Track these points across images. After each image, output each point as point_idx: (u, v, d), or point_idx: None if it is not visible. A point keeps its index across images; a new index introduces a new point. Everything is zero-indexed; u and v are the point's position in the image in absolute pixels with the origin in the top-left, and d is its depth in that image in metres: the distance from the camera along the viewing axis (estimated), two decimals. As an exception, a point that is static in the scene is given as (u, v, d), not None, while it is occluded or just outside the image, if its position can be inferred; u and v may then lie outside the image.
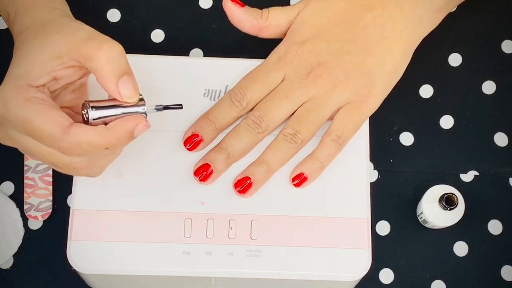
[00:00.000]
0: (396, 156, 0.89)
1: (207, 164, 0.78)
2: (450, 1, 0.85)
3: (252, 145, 0.80)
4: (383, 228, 0.88)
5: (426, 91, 0.91)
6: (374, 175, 0.89)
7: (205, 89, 0.82)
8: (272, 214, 0.78)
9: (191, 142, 0.79)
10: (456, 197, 0.83)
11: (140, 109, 0.69)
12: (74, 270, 0.77)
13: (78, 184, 0.78)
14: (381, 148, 0.89)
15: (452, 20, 0.90)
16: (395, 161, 0.89)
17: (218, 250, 0.77)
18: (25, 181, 0.87)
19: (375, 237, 0.87)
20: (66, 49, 0.69)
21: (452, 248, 0.87)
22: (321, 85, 0.79)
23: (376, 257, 0.83)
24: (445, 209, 0.83)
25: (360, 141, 0.81)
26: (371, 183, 0.86)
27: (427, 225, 0.87)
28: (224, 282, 0.78)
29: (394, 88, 0.82)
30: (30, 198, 0.86)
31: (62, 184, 0.87)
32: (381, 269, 0.87)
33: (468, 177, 0.89)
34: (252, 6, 0.82)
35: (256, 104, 0.80)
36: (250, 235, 0.78)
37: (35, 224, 0.87)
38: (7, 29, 0.80)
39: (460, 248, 0.87)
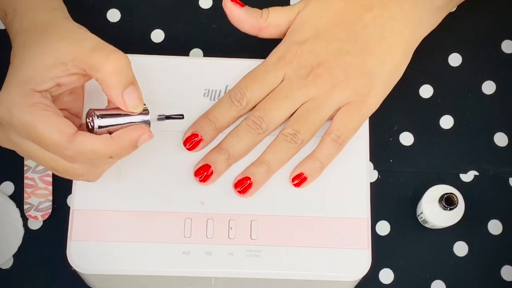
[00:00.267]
0: (396, 156, 0.89)
1: (207, 164, 0.78)
2: (450, 1, 0.85)
3: (252, 145, 0.80)
4: (383, 228, 0.88)
5: (426, 91, 0.91)
6: (374, 175, 0.89)
7: (205, 89, 0.82)
8: (272, 214, 0.78)
9: (191, 141, 0.79)
10: (456, 197, 0.83)
11: (144, 118, 0.71)
12: (74, 270, 0.77)
13: (78, 184, 0.78)
14: (381, 148, 0.89)
15: (452, 20, 0.90)
16: (395, 161, 0.89)
17: (218, 250, 0.77)
18: (25, 181, 0.87)
19: (375, 237, 0.87)
20: (71, 56, 0.69)
21: (452, 248, 0.87)
22: (321, 85, 0.79)
23: (376, 257, 0.83)
24: (445, 209, 0.83)
25: (360, 141, 0.81)
26: (371, 183, 0.86)
27: (427, 225, 0.87)
28: (224, 282, 0.78)
29: (394, 88, 0.82)
30: (30, 198, 0.86)
31: (62, 184, 0.87)
32: (381, 269, 0.87)
33: (468, 177, 0.89)
34: (252, 6, 0.82)
35: (256, 104, 0.80)
36: (250, 235, 0.77)
37: (35, 224, 0.87)
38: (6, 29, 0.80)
39: (460, 248, 0.87)
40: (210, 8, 0.93)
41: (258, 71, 0.81)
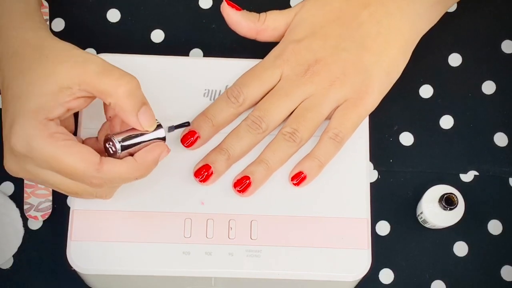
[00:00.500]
0: (396, 156, 0.89)
1: (207, 165, 0.78)
2: None
3: (252, 145, 0.80)
4: (383, 228, 0.88)
5: (426, 91, 0.91)
6: (374, 175, 0.89)
7: (205, 89, 0.82)
8: (272, 214, 0.78)
9: (189, 139, 0.79)
10: (456, 197, 0.83)
11: (158, 135, 0.73)
12: (74, 270, 0.77)
13: (78, 184, 0.78)
14: (381, 148, 0.89)
15: (452, 20, 0.90)
16: (395, 161, 0.89)
17: (218, 250, 0.77)
18: (25, 181, 0.87)
19: (375, 237, 0.87)
20: (77, 81, 0.69)
21: (452, 248, 0.87)
22: (319, 82, 0.79)
23: (376, 257, 0.83)
24: (445, 209, 0.83)
25: (360, 141, 0.81)
26: (371, 183, 0.86)
27: (427, 225, 0.87)
28: (224, 282, 0.78)
29: (394, 88, 0.82)
30: (30, 198, 0.86)
31: (62, 184, 0.87)
32: (381, 269, 0.87)
33: (468, 177, 0.89)
34: (251, 9, 0.82)
35: (253, 102, 0.80)
36: (250, 235, 0.77)
37: (35, 224, 0.87)
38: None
39: (460, 248, 0.87)
40: (210, 8, 0.93)
41: (255, 69, 0.81)
